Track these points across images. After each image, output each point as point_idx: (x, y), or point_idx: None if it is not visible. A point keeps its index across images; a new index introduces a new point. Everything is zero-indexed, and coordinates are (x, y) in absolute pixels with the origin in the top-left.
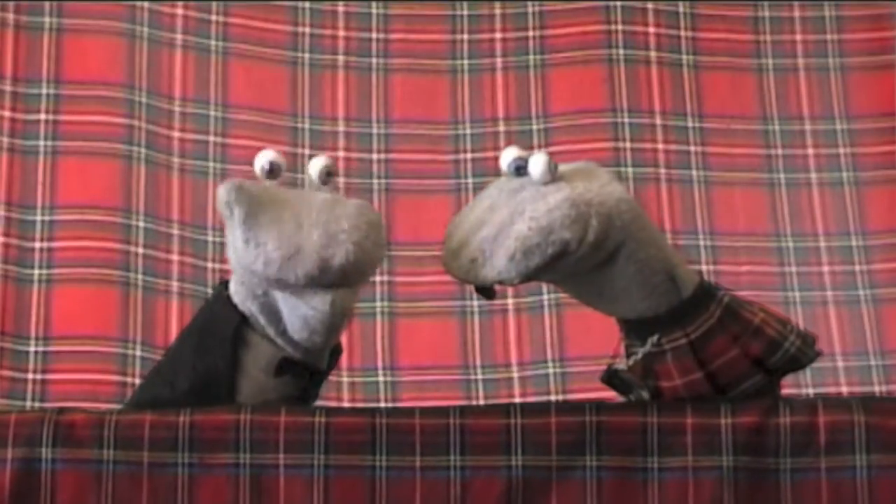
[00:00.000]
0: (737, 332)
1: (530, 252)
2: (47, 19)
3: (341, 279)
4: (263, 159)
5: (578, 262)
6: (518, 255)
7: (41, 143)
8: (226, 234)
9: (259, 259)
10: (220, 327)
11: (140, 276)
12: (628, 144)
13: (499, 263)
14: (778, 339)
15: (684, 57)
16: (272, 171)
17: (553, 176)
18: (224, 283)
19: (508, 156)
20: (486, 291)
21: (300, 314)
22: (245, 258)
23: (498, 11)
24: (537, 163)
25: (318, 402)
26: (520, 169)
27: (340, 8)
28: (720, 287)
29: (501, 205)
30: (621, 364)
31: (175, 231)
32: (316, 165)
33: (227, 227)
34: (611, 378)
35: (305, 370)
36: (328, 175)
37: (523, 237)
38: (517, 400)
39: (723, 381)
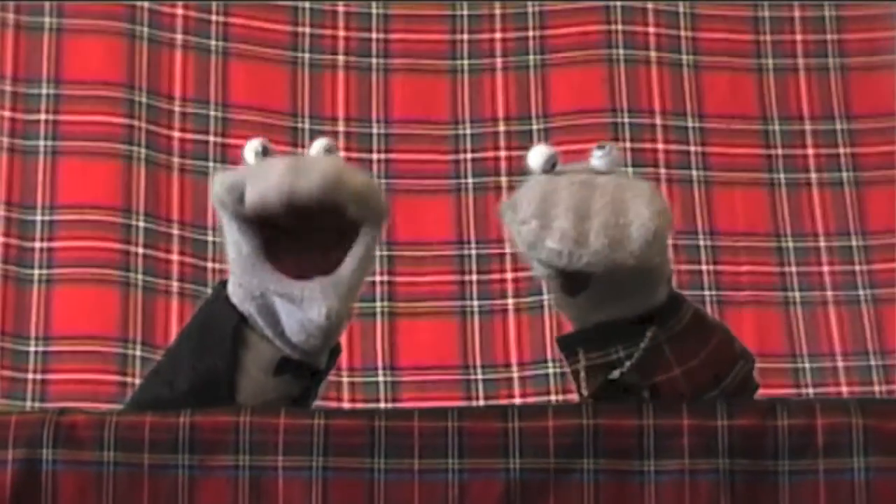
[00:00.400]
0: (709, 318)
1: (665, 229)
2: (47, 19)
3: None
4: (253, 144)
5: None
6: (661, 231)
7: (41, 143)
8: (224, 235)
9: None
10: (220, 327)
11: (140, 276)
12: (628, 144)
13: (641, 242)
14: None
15: (684, 57)
16: (266, 153)
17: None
18: (223, 283)
19: (541, 154)
20: (579, 284)
21: (297, 318)
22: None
23: (498, 11)
24: (608, 153)
25: (318, 403)
26: (553, 167)
27: (340, 8)
28: None
29: (592, 195)
30: (615, 373)
31: (175, 231)
32: (317, 147)
33: (222, 221)
34: (603, 390)
35: (305, 370)
36: (328, 152)
37: (656, 215)
38: (517, 400)
39: (717, 366)
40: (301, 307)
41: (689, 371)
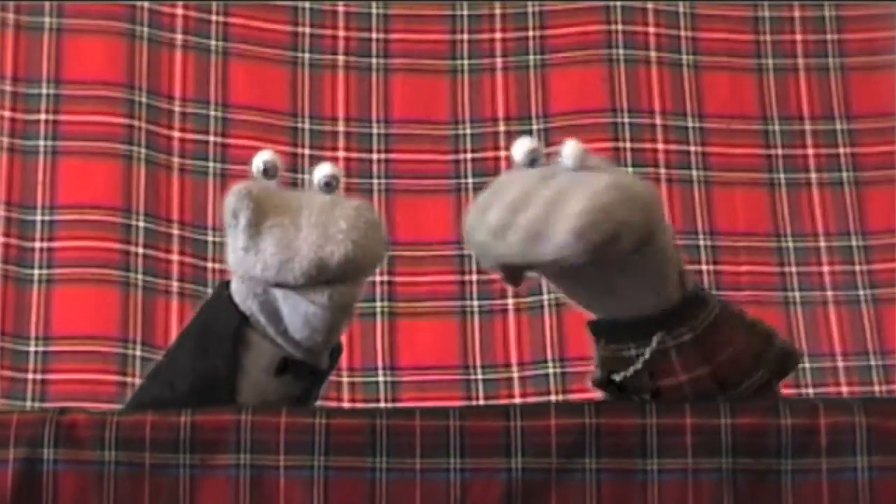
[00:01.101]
0: (736, 326)
1: (595, 228)
2: (47, 19)
3: (339, 276)
4: (259, 160)
5: (622, 248)
6: (587, 229)
7: (41, 143)
8: (226, 236)
9: (257, 265)
10: (220, 327)
11: (140, 276)
12: (628, 144)
13: (560, 239)
14: (770, 334)
15: (684, 57)
16: (267, 172)
17: (584, 164)
18: (224, 283)
19: (523, 146)
20: (516, 276)
21: (300, 312)
22: (244, 264)
23: (498, 11)
24: (571, 149)
25: (319, 403)
26: (534, 161)
27: (340, 8)
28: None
29: (538, 188)
30: (619, 376)
31: (175, 231)
32: (319, 173)
33: (228, 232)
34: (607, 385)
35: (306, 370)
36: (327, 186)
37: (587, 212)
38: (517, 400)
39: (726, 376)
40: (303, 297)
41: (696, 379)
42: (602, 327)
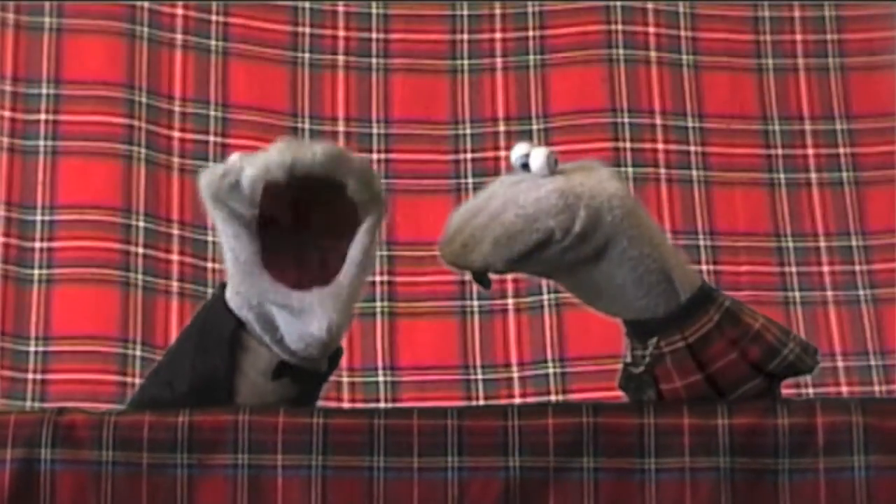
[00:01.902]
0: (735, 337)
1: (513, 238)
2: (47, 19)
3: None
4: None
5: (564, 254)
6: (503, 240)
7: (41, 143)
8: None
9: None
10: (218, 330)
11: (140, 276)
12: (628, 144)
13: (485, 249)
14: (777, 346)
15: (684, 57)
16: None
17: (552, 170)
18: (224, 285)
19: (518, 151)
20: (481, 280)
21: (296, 329)
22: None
23: (498, 11)
24: (537, 156)
25: (318, 403)
26: (525, 165)
27: (340, 8)
28: (721, 291)
29: (499, 195)
30: (633, 368)
31: (175, 231)
32: None
33: (217, 224)
34: (627, 381)
35: (304, 374)
36: None
37: (508, 223)
38: (517, 400)
39: (722, 384)
40: (300, 319)
41: (691, 385)
42: (625, 324)
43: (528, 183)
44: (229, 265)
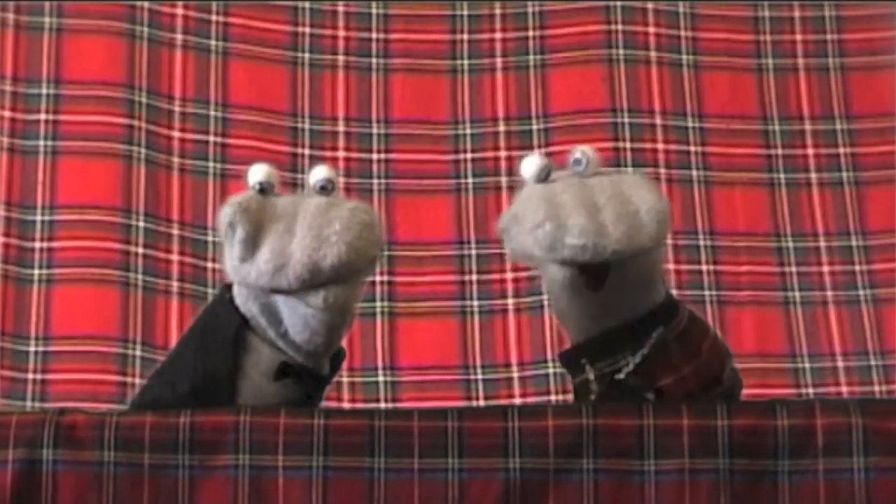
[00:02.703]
0: (704, 326)
1: (665, 222)
2: (47, 19)
3: (334, 278)
4: (254, 180)
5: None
6: (668, 214)
7: (41, 143)
8: (223, 246)
9: (252, 273)
10: (221, 330)
11: (140, 276)
12: (628, 144)
13: (650, 228)
14: (728, 351)
15: (684, 57)
16: (264, 190)
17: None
18: (227, 286)
19: (534, 165)
20: (601, 277)
21: (300, 314)
22: (239, 274)
23: (498, 11)
24: (589, 155)
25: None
26: (548, 176)
27: (340, 8)
28: None
29: (591, 192)
30: (621, 374)
31: (175, 231)
32: (315, 176)
33: (225, 242)
34: (608, 390)
35: (306, 375)
36: (323, 189)
37: (657, 210)
38: (517, 400)
39: (718, 360)
40: (302, 298)
41: (698, 369)
42: (584, 350)
43: (604, 179)
44: (230, 265)
